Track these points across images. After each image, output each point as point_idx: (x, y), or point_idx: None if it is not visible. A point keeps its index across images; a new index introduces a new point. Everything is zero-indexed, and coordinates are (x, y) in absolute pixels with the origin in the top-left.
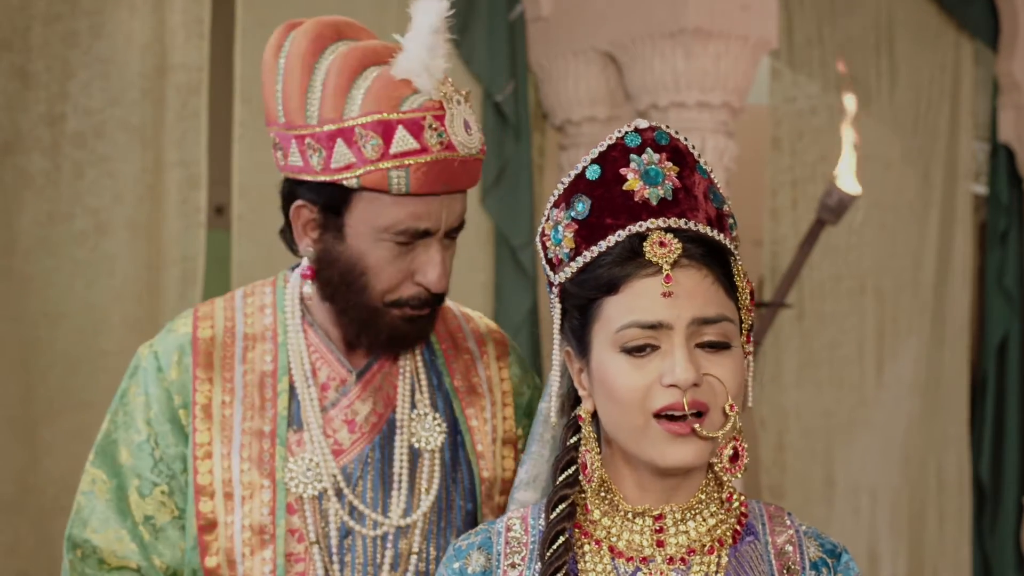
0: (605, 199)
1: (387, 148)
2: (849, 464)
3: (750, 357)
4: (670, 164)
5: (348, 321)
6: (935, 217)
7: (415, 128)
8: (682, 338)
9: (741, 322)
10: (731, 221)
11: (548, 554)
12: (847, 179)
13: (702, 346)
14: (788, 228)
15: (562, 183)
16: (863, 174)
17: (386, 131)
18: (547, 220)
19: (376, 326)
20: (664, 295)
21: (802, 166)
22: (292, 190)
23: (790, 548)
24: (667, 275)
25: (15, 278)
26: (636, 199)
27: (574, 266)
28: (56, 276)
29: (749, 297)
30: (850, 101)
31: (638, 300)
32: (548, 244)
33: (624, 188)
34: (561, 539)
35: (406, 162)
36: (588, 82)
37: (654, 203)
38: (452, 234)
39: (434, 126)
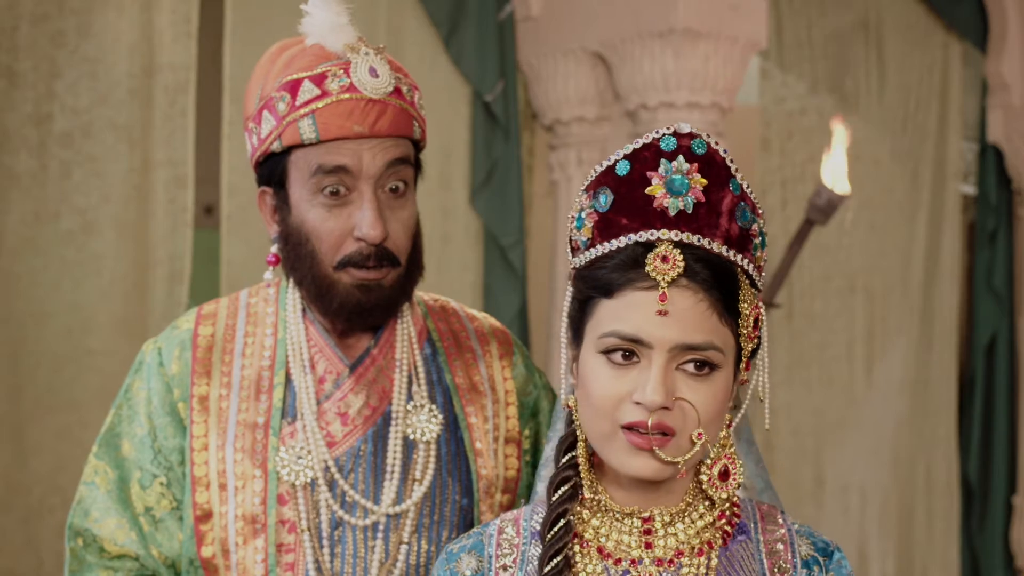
0: (627, 198)
1: (294, 101)
2: (838, 464)
3: (748, 384)
4: (699, 176)
5: (306, 294)
6: (924, 217)
7: (319, 79)
8: (662, 360)
9: (740, 349)
10: (757, 241)
11: (549, 536)
12: (837, 179)
13: (683, 368)
14: (777, 228)
15: (595, 170)
16: (852, 174)
17: (293, 88)
18: (577, 203)
19: (329, 295)
20: (659, 313)
21: (791, 166)
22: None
23: (781, 547)
24: (663, 293)
25: (1, 278)
26: (655, 206)
27: (587, 256)
28: (43, 276)
29: (753, 324)
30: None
31: (629, 311)
32: (572, 227)
33: (646, 192)
34: (562, 521)
35: (308, 109)
36: (577, 82)
37: (671, 214)
38: (394, 188)
39: (338, 74)
